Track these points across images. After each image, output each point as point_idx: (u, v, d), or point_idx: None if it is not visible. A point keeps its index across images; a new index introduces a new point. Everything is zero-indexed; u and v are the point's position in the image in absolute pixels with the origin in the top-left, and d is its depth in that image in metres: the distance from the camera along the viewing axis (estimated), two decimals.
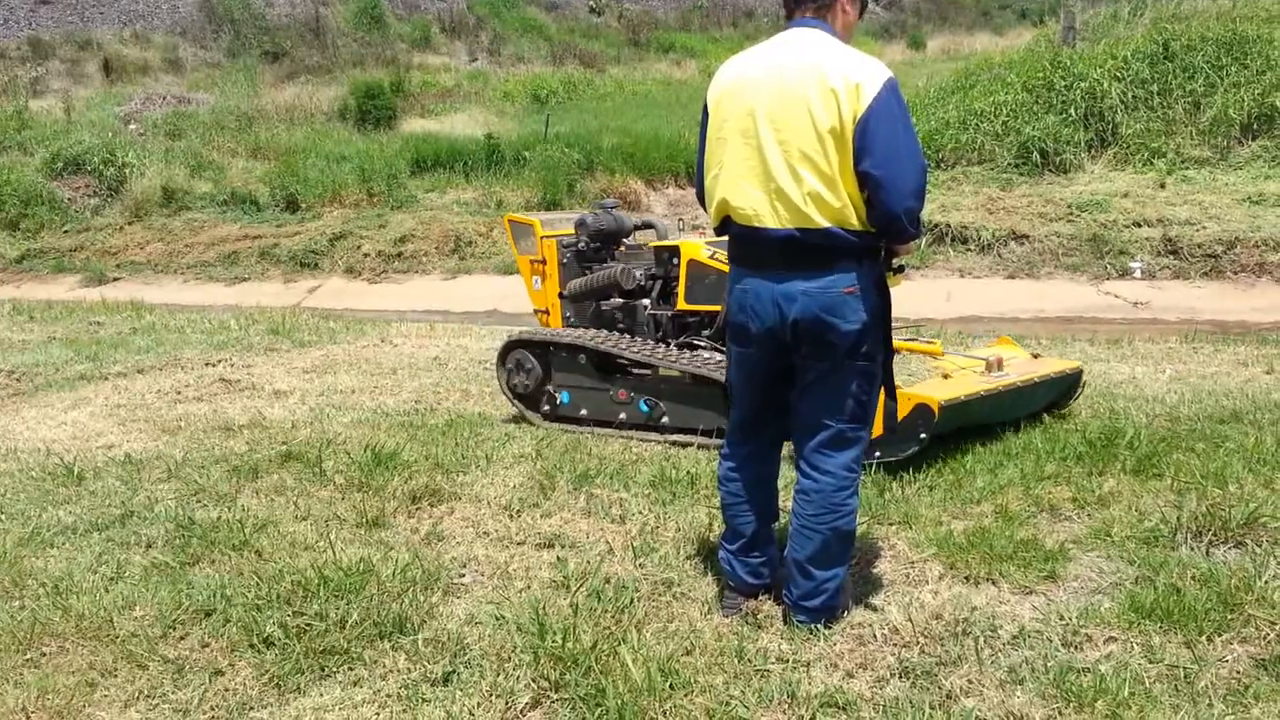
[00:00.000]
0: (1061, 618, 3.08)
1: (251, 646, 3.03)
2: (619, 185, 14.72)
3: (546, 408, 5.64)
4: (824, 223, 2.83)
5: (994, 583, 3.37)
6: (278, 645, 3.01)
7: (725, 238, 3.15)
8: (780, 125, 2.84)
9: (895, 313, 3.11)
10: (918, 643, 2.96)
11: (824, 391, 2.98)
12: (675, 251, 5.58)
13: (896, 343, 5.28)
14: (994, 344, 5.95)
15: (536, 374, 5.63)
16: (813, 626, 3.05)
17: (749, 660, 2.90)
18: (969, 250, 11.73)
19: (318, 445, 5.11)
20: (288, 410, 6.18)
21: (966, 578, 3.40)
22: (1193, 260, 10.74)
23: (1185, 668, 2.76)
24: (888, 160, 2.74)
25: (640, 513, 4.08)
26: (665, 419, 5.27)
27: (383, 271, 13.62)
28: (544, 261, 6.03)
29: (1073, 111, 13.24)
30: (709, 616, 3.20)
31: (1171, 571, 3.31)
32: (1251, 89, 12.61)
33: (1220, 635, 2.91)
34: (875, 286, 2.95)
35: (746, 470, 3.23)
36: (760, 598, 3.24)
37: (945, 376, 5.14)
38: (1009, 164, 13.05)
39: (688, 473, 4.50)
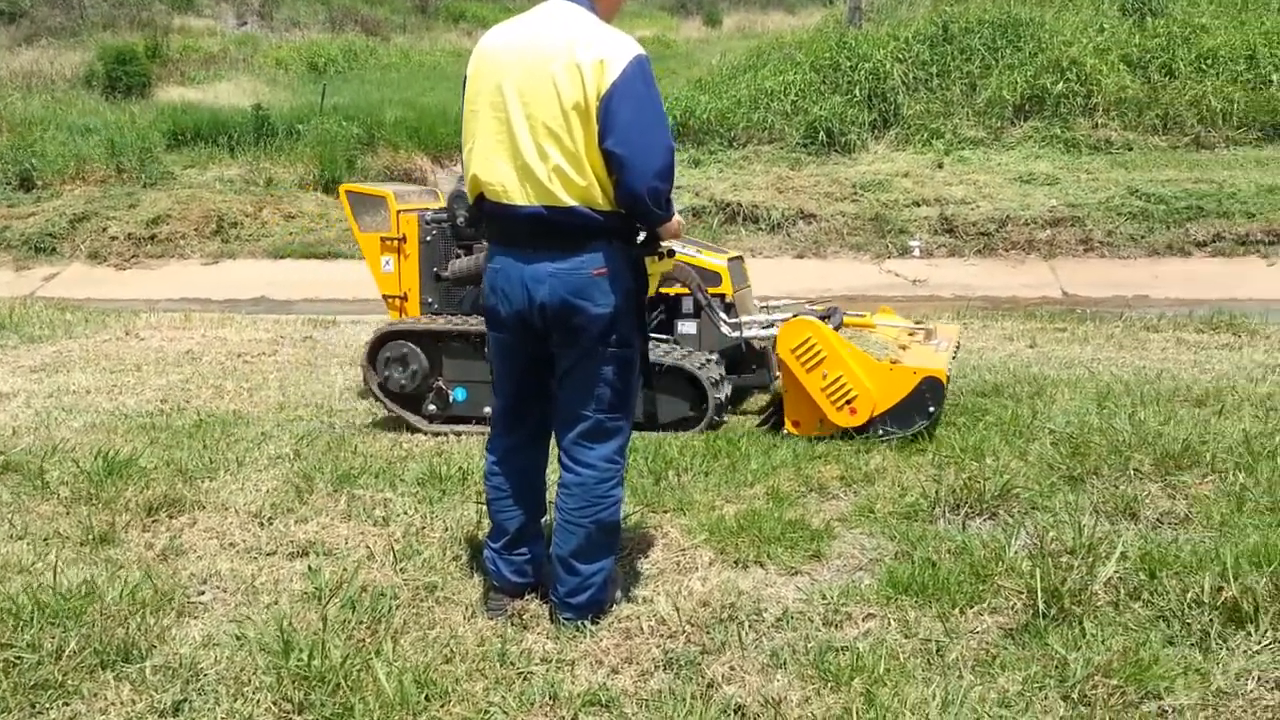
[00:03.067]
0: (824, 597, 3.10)
1: None
2: (403, 161, 14.19)
3: (433, 408, 5.13)
4: (570, 201, 2.75)
5: (762, 565, 3.37)
6: None
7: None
8: (528, 99, 2.75)
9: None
10: (684, 632, 2.91)
11: (580, 380, 2.89)
12: None
13: (846, 319, 5.16)
14: (876, 313, 5.79)
15: (422, 369, 5.08)
16: (579, 623, 2.96)
17: (512, 663, 2.78)
18: (759, 230, 11.97)
19: (40, 454, 4.60)
20: (9, 415, 5.57)
21: (736, 562, 3.39)
22: (967, 238, 11.34)
23: (938, 641, 2.82)
24: (630, 139, 2.67)
25: (405, 513, 3.87)
26: None
27: (133, 256, 12.57)
28: (402, 239, 5.42)
29: (857, 92, 13.70)
30: (473, 620, 3.05)
31: (928, 545, 3.41)
32: (1024, 71, 13.41)
33: (972, 607, 2.99)
34: (629, 269, 2.88)
35: (510, 462, 3.10)
36: (526, 597, 3.12)
37: (903, 348, 5.04)
38: (798, 143, 13.39)
39: (459, 468, 4.32)
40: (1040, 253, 11.04)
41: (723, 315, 5.18)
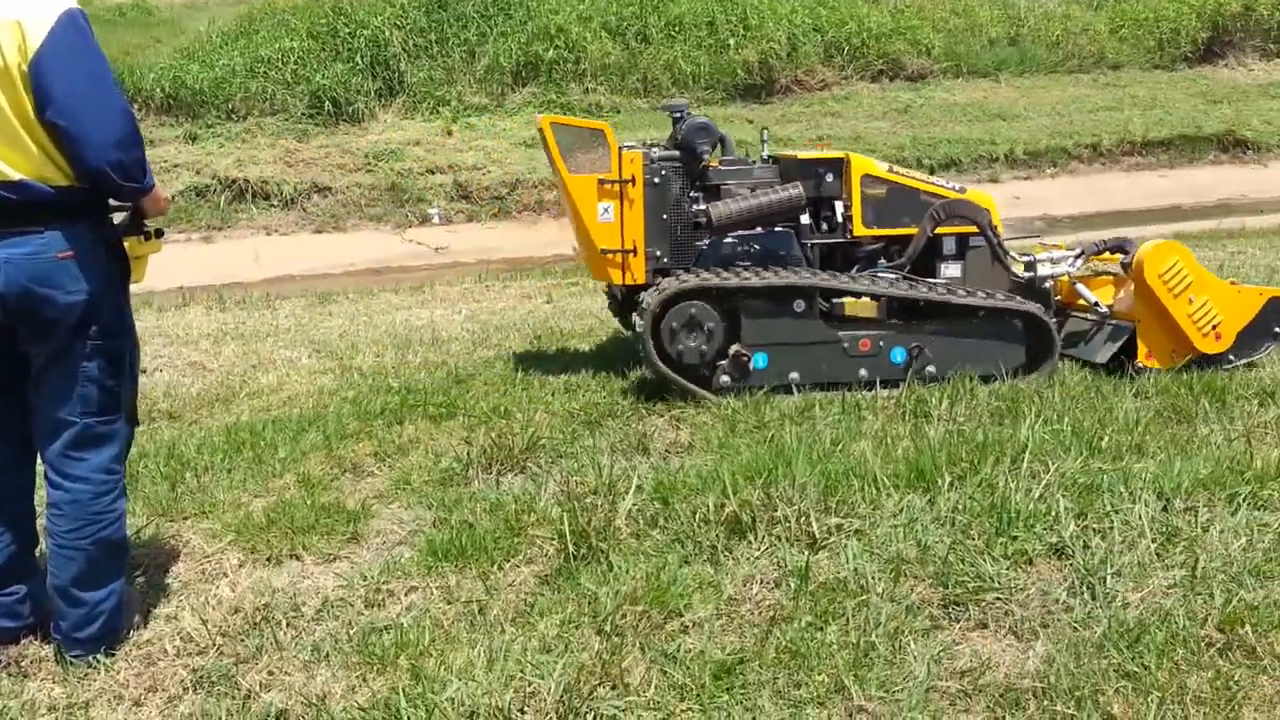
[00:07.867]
0: (365, 578, 3.05)
1: None
2: None
3: (726, 378, 4.48)
4: (16, 175, 2.44)
5: (298, 557, 3.24)
6: None
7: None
8: None
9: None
10: (214, 645, 2.73)
11: (58, 381, 2.58)
12: (837, 166, 4.75)
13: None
14: None
15: (717, 336, 4.45)
16: (92, 658, 2.66)
17: (13, 719, 2.44)
18: (272, 206, 11.42)
19: None
20: None
21: (268, 559, 3.23)
22: (483, 203, 11.64)
23: (479, 600, 2.88)
24: (74, 109, 2.41)
25: None
26: (930, 367, 4.59)
27: None
28: (628, 182, 4.66)
29: (359, 60, 13.55)
30: None
31: (464, 508, 3.47)
32: (517, 38, 14.04)
33: (509, 561, 3.10)
34: (104, 250, 2.60)
35: None
36: (24, 641, 2.75)
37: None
38: (303, 114, 13.00)
39: None
40: (550, 213, 11.63)
41: (1013, 255, 4.88)
